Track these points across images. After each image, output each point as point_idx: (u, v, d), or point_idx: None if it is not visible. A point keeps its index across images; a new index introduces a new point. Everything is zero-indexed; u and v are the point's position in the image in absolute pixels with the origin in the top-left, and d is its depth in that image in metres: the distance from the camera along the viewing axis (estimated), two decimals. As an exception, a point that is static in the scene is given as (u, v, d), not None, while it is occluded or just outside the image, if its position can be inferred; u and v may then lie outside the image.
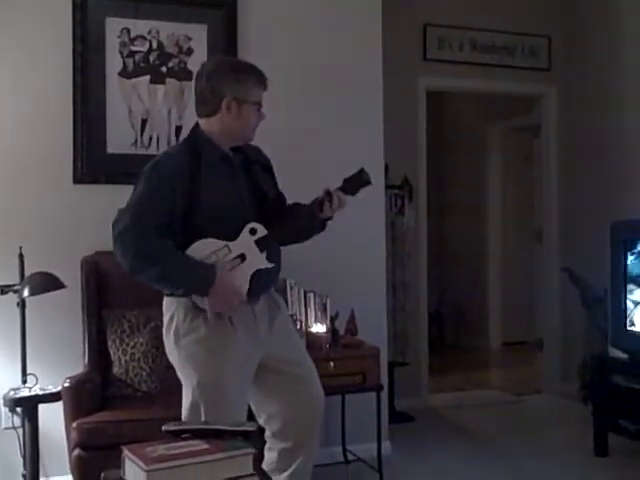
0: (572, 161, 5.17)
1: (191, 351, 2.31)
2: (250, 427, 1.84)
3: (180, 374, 2.39)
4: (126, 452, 1.70)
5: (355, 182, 2.42)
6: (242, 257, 2.32)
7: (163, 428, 1.88)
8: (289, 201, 2.58)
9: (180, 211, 2.26)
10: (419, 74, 4.93)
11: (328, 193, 2.38)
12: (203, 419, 2.29)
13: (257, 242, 2.34)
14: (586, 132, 5.04)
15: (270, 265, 2.37)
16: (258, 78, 2.38)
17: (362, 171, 2.43)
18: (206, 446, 1.72)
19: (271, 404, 2.46)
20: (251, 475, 1.71)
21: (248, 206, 2.38)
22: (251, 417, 2.48)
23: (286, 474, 2.45)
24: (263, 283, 2.38)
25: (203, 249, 2.28)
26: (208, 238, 2.28)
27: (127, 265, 2.24)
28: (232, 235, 2.31)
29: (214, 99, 2.34)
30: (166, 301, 2.39)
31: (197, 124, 2.42)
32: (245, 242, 2.33)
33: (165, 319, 2.38)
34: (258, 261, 2.34)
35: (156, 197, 2.25)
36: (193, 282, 2.27)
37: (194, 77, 2.47)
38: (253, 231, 2.34)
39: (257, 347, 2.38)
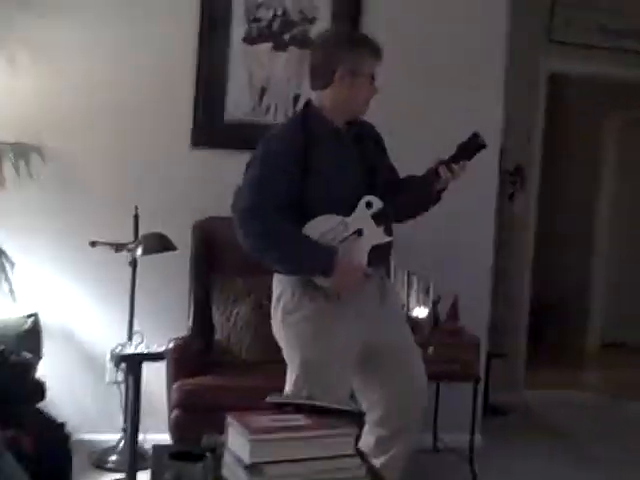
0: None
1: (297, 329, 2.32)
2: (354, 408, 1.82)
3: (286, 352, 2.39)
4: (230, 419, 1.71)
5: (470, 147, 2.34)
6: (359, 232, 2.29)
7: (267, 399, 1.88)
8: (402, 175, 2.53)
9: (295, 187, 2.25)
10: (542, 56, 4.70)
11: (442, 162, 2.32)
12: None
13: (374, 216, 2.30)
14: None
15: (389, 239, 2.34)
16: (372, 49, 2.36)
17: (476, 135, 2.34)
18: (309, 422, 1.71)
19: (373, 391, 2.43)
20: (351, 456, 1.69)
21: (359, 180, 2.35)
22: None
23: (381, 460, 2.38)
24: (380, 257, 2.35)
25: (320, 226, 2.26)
26: (324, 215, 2.27)
27: (249, 246, 2.26)
28: (345, 208, 2.28)
29: (327, 71, 2.33)
30: (275, 278, 2.40)
31: (309, 99, 2.42)
32: (361, 216, 2.30)
33: (273, 296, 2.40)
34: (376, 236, 2.31)
35: (272, 176, 2.25)
36: (313, 266, 2.26)
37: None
38: (369, 205, 2.31)
39: (363, 328, 2.35)
